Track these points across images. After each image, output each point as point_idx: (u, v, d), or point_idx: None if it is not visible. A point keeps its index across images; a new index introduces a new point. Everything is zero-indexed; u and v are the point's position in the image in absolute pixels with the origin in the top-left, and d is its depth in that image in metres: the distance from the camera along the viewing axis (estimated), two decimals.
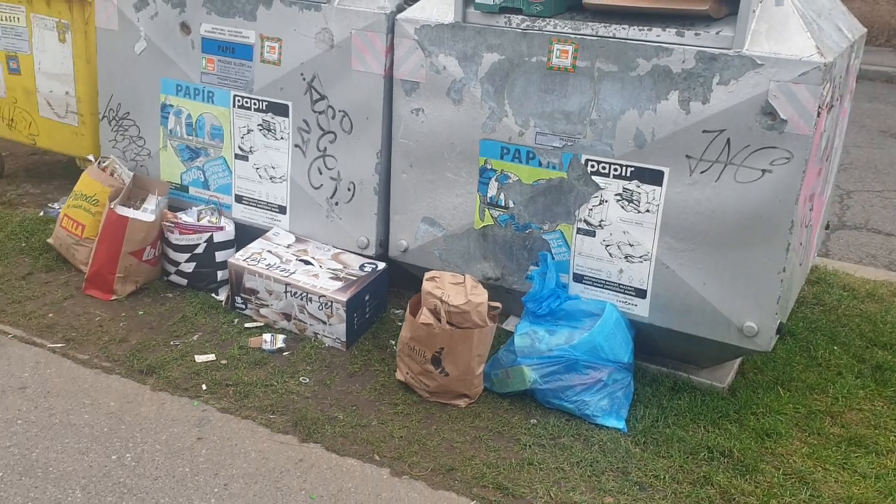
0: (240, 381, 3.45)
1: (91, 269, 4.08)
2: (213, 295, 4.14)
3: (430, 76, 3.58)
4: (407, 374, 3.44)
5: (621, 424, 3.28)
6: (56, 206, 5.05)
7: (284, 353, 3.69)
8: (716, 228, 3.19)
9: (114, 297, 4.07)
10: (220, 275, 4.16)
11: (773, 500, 2.92)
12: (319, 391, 3.44)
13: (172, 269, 4.19)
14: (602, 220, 3.40)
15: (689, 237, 3.25)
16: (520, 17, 3.36)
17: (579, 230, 3.46)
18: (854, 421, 3.41)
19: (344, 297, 3.67)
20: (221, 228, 4.18)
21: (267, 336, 3.75)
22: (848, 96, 3.90)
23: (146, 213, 4.13)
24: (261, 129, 4.10)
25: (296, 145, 4.03)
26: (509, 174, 3.54)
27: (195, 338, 3.78)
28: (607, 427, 3.27)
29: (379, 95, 3.73)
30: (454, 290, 3.34)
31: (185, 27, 4.16)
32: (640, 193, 3.29)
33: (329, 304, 3.69)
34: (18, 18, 4.94)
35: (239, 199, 4.28)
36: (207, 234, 4.12)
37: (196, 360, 3.59)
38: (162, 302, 4.09)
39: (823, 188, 3.79)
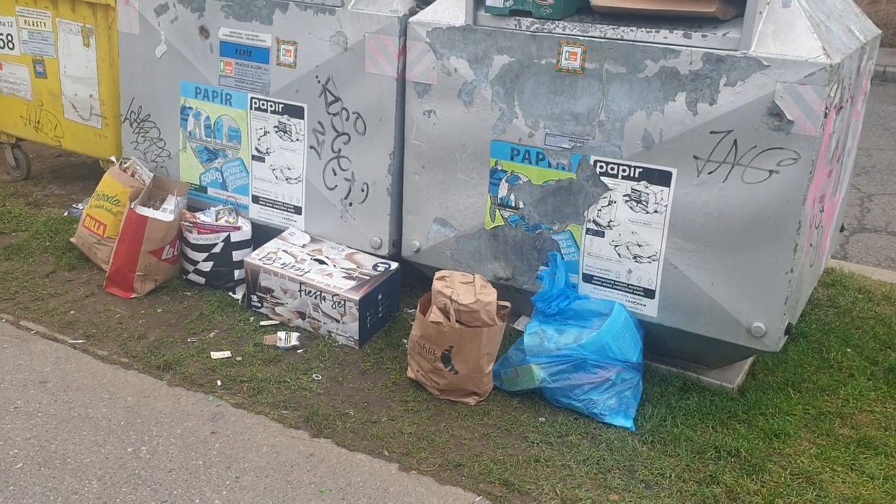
0: (254, 378, 3.52)
1: (112, 267, 4.18)
2: (230, 293, 4.22)
3: (441, 78, 3.63)
4: (417, 371, 3.49)
5: (629, 423, 3.30)
6: (80, 206, 5.16)
7: (298, 351, 3.76)
8: (723, 229, 3.20)
9: (133, 295, 4.16)
10: (236, 274, 4.24)
11: (778, 500, 2.93)
12: (331, 388, 3.50)
13: (191, 267, 4.28)
14: (611, 221, 3.43)
15: (697, 238, 3.26)
16: (529, 19, 3.40)
17: (588, 230, 3.49)
18: (864, 423, 3.40)
19: (357, 296, 3.73)
20: (238, 228, 4.26)
21: (281, 334, 3.82)
22: (861, 98, 3.89)
23: (165, 213, 4.23)
24: (277, 131, 4.18)
25: (311, 147, 4.10)
26: (519, 175, 3.58)
27: (212, 335, 3.86)
28: (615, 426, 3.29)
29: (392, 97, 3.79)
30: (464, 289, 3.38)
31: (203, 31, 4.25)
32: (648, 194, 3.32)
33: (342, 302, 3.75)
34: (45, 23, 5.07)
35: (256, 199, 4.36)
36: (225, 234, 4.21)
37: (212, 356, 3.67)
38: (180, 300, 4.18)
39: (835, 189, 3.78)
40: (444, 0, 3.66)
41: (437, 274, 3.47)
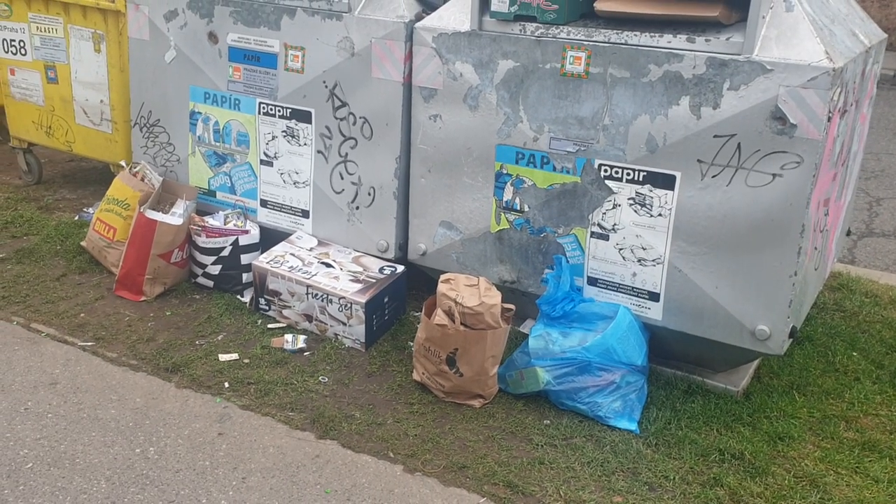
0: (261, 380, 3.55)
1: (121, 270, 4.23)
2: (238, 296, 4.26)
3: (447, 83, 3.66)
4: (423, 374, 3.51)
5: (633, 426, 3.31)
6: (90, 210, 5.22)
7: (305, 354, 3.79)
8: (727, 232, 3.22)
9: (143, 298, 4.21)
10: (244, 277, 4.27)
11: (782, 503, 2.94)
12: (338, 390, 3.52)
13: (199, 271, 4.32)
14: (615, 224, 3.44)
15: (701, 241, 3.28)
16: (534, 24, 3.42)
17: (593, 234, 3.51)
18: (869, 426, 3.40)
19: (363, 299, 3.76)
20: (247, 232, 4.30)
21: (289, 336, 3.85)
22: (867, 102, 3.90)
23: (174, 216, 4.27)
24: (285, 136, 4.22)
25: (318, 151, 4.14)
26: (524, 179, 3.60)
27: (220, 337, 3.90)
28: (619, 428, 3.31)
29: (398, 102, 3.82)
30: (468, 291, 3.40)
31: (212, 37, 4.30)
32: (652, 198, 3.33)
33: (349, 305, 3.78)
34: (57, 30, 5.13)
35: (264, 203, 4.40)
36: (233, 238, 4.24)
37: (220, 358, 3.70)
38: (189, 303, 4.22)
39: (840, 193, 3.79)
40: (449, 6, 3.69)
41: (442, 277, 3.50)
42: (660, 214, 3.34)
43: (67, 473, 2.96)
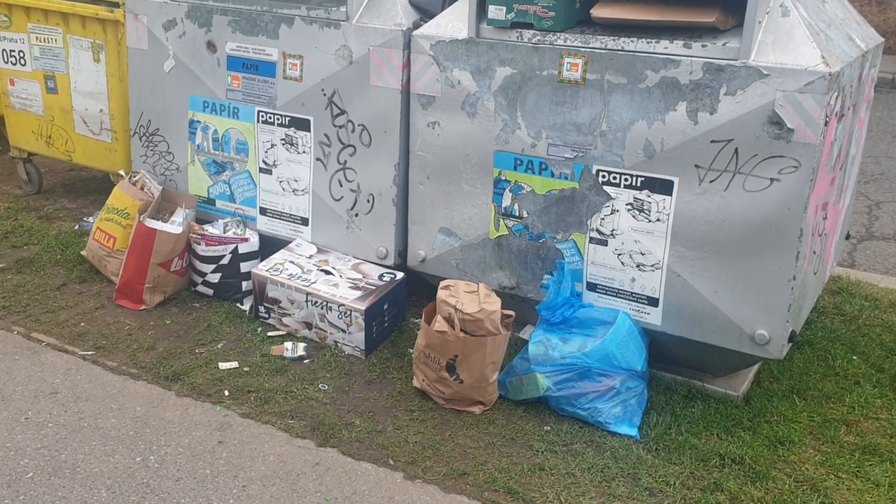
0: (261, 388, 3.55)
1: (121, 279, 4.23)
2: (238, 304, 4.26)
3: (445, 90, 3.67)
4: (423, 381, 3.51)
5: (634, 431, 3.31)
6: (90, 219, 5.23)
7: (305, 361, 3.79)
8: (726, 237, 3.22)
9: (143, 307, 4.21)
10: (244, 285, 4.28)
11: None
12: (338, 398, 3.52)
13: (199, 279, 4.33)
14: (614, 230, 3.45)
15: (700, 246, 3.28)
16: (531, 31, 3.44)
17: (592, 239, 3.51)
18: (870, 430, 3.40)
19: (363, 306, 3.77)
20: (246, 240, 4.31)
21: (288, 344, 3.85)
22: (864, 106, 3.91)
23: (174, 225, 4.28)
24: (284, 144, 4.23)
25: (317, 159, 4.15)
26: (523, 185, 3.61)
27: (220, 346, 3.90)
28: (620, 434, 3.31)
29: (396, 109, 3.83)
30: (468, 298, 3.41)
31: (211, 46, 4.32)
32: (650, 203, 3.34)
33: (348, 312, 3.78)
34: (56, 40, 5.15)
35: (263, 211, 4.41)
36: (232, 246, 4.25)
37: (220, 367, 3.71)
38: (189, 311, 4.22)
39: (839, 197, 3.79)
40: (446, 13, 3.70)
41: (442, 283, 3.50)
42: (658, 220, 3.34)
43: (68, 483, 2.96)
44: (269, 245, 4.33)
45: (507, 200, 3.67)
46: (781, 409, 3.48)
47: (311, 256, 4.17)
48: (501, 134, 3.59)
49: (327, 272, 4.02)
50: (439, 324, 3.37)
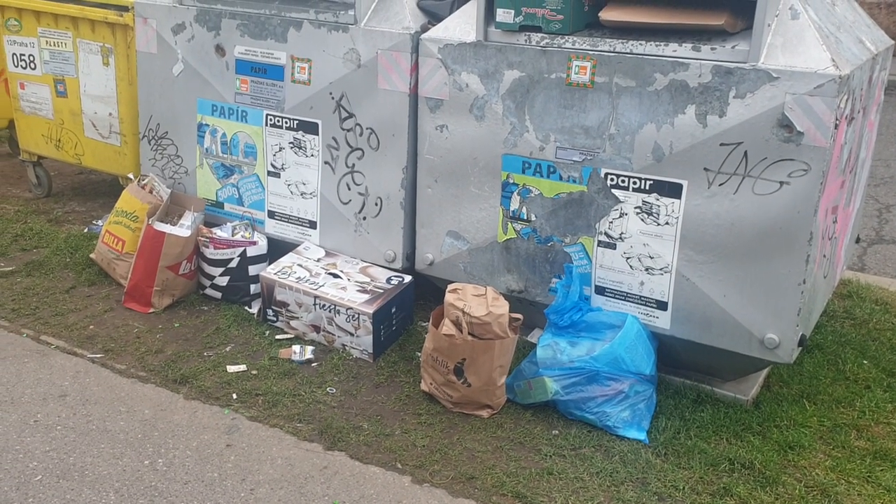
0: (269, 391, 3.55)
1: (130, 282, 4.24)
2: (246, 308, 4.27)
3: (453, 93, 3.67)
4: (431, 384, 3.51)
5: (642, 436, 3.30)
6: (99, 222, 5.24)
7: (313, 364, 3.79)
8: (735, 241, 3.21)
9: (151, 310, 4.22)
10: (252, 288, 4.28)
11: None
12: (345, 401, 3.52)
13: (207, 282, 4.33)
14: (622, 233, 3.44)
15: (709, 249, 3.27)
16: (539, 34, 3.43)
17: (600, 243, 3.50)
18: (881, 434, 3.38)
19: (371, 310, 3.76)
20: (254, 243, 4.31)
21: (296, 347, 3.85)
22: (874, 109, 3.89)
23: (183, 228, 4.29)
24: (292, 147, 4.24)
25: (325, 162, 4.15)
26: (531, 188, 3.60)
27: (228, 349, 3.90)
28: (628, 438, 3.29)
29: (404, 113, 3.83)
30: (476, 301, 3.40)
31: (219, 49, 4.33)
32: (659, 206, 3.33)
33: (356, 316, 3.78)
34: (66, 44, 5.17)
35: (271, 214, 4.41)
36: (241, 249, 4.26)
37: (228, 370, 3.71)
38: (197, 314, 4.23)
39: (849, 200, 3.77)
40: (454, 17, 3.70)
41: (450, 286, 3.50)
42: (667, 223, 3.33)
43: (76, 486, 2.97)
44: (278, 248, 4.33)
45: (515, 204, 3.67)
46: (791, 414, 3.46)
47: (319, 260, 4.17)
48: (509, 137, 3.59)
49: (335, 275, 4.02)
50: (447, 327, 3.36)
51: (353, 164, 4.06)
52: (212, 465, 3.10)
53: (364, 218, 4.10)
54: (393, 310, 3.90)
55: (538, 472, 3.09)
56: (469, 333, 3.33)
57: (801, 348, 3.33)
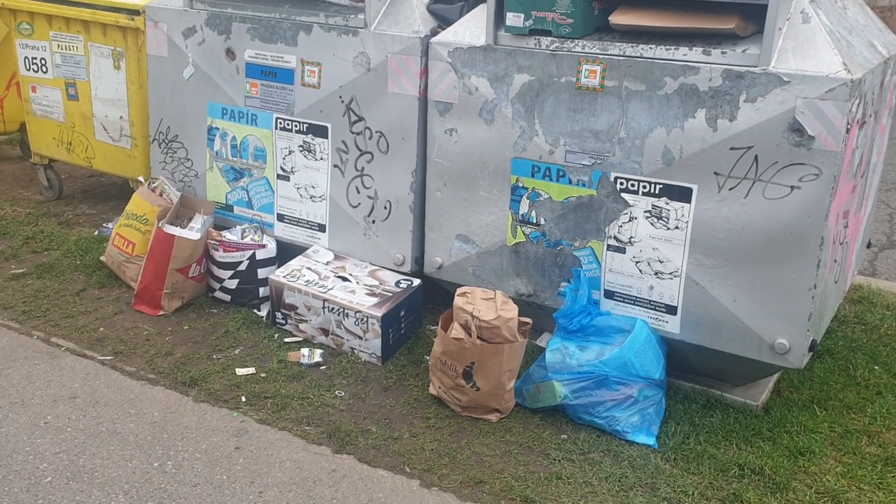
0: (278, 394, 3.56)
1: (140, 285, 4.26)
2: (255, 310, 4.28)
3: (462, 97, 3.67)
4: (439, 388, 3.50)
5: (652, 441, 3.29)
6: (110, 225, 5.27)
7: (321, 368, 3.79)
8: (745, 245, 3.19)
9: (161, 313, 4.23)
10: (261, 291, 4.29)
11: None
12: (354, 404, 3.52)
13: (217, 285, 4.34)
14: (632, 237, 3.43)
15: (719, 254, 3.26)
16: (549, 38, 3.43)
17: (609, 247, 3.50)
18: (892, 441, 3.35)
19: (379, 313, 3.76)
20: (263, 246, 4.32)
21: (305, 350, 3.86)
22: (886, 113, 3.87)
23: (192, 231, 4.30)
24: (301, 150, 4.24)
25: (335, 165, 4.16)
26: (540, 192, 3.60)
27: (237, 352, 3.91)
28: (637, 443, 3.28)
29: (414, 116, 3.84)
30: (485, 305, 3.40)
31: (230, 53, 4.34)
32: (668, 210, 3.32)
33: (365, 319, 3.79)
34: (77, 47, 5.20)
35: (281, 217, 4.42)
36: (250, 252, 4.27)
37: (237, 373, 3.71)
38: (206, 317, 4.24)
39: (860, 205, 3.75)
40: (464, 20, 3.71)
41: (459, 290, 3.50)
42: (676, 227, 3.32)
43: (86, 487, 2.98)
44: (287, 251, 4.34)
45: (524, 207, 3.66)
46: (802, 420, 3.44)
47: (328, 263, 4.18)
48: (519, 141, 3.59)
49: (344, 279, 4.02)
50: (456, 331, 3.36)
51: (363, 168, 4.07)
52: (221, 467, 3.10)
53: (373, 221, 4.11)
54: (402, 313, 3.90)
55: (547, 477, 3.08)
56: (478, 337, 3.33)
57: (811, 353, 3.31)
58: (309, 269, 4.10)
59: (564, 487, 3.03)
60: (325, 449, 3.22)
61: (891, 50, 3.68)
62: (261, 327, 4.12)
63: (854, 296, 4.62)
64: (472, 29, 3.64)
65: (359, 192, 4.12)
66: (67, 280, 4.59)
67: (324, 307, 3.90)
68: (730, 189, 3.17)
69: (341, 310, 3.85)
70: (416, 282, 4.03)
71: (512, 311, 3.39)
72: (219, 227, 4.50)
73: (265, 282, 4.22)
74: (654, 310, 3.46)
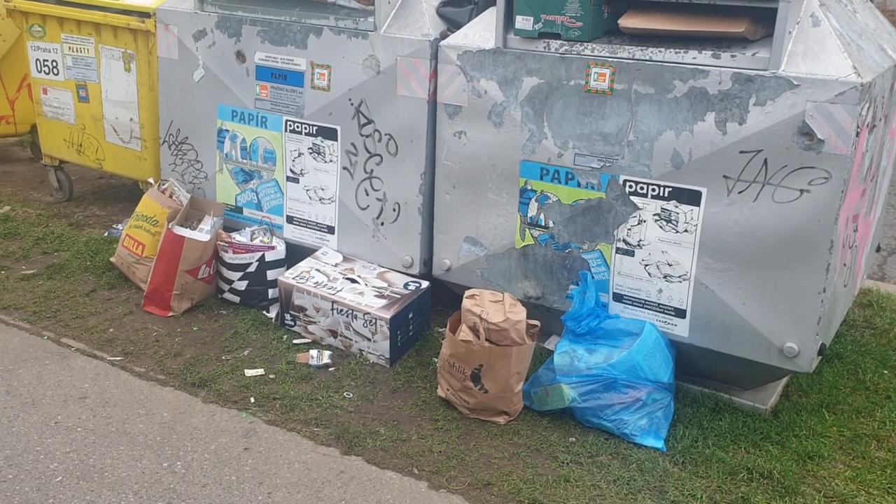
0: (286, 395, 3.57)
1: (149, 286, 4.28)
2: (264, 312, 4.29)
3: (471, 100, 3.68)
4: (448, 390, 3.51)
5: (660, 444, 3.29)
6: (119, 226, 5.29)
7: (330, 369, 3.80)
8: (755, 248, 3.19)
9: (170, 314, 4.25)
10: (270, 292, 4.31)
11: None
12: (362, 406, 3.53)
13: (226, 286, 4.36)
14: (641, 240, 3.43)
15: (728, 257, 3.25)
16: (558, 41, 3.44)
17: (618, 250, 3.50)
18: None
19: (388, 315, 3.77)
20: (273, 248, 4.34)
21: (314, 352, 3.87)
22: None
23: (202, 233, 4.32)
24: (311, 153, 4.26)
25: (344, 168, 4.17)
26: (549, 194, 3.60)
27: (246, 353, 3.92)
28: (646, 446, 3.28)
29: (423, 119, 3.85)
30: (493, 307, 3.40)
31: (240, 55, 4.36)
32: (678, 213, 3.32)
33: (373, 321, 3.79)
34: (88, 50, 5.23)
35: (290, 219, 4.44)
36: (259, 254, 4.28)
37: (246, 374, 3.73)
38: (215, 318, 4.26)
39: (870, 209, 3.75)
40: (474, 24, 3.72)
41: (467, 293, 3.50)
42: (686, 230, 3.32)
43: (96, 487, 2.99)
44: (296, 253, 4.36)
45: (532, 210, 3.67)
46: (810, 424, 3.43)
47: (336, 265, 4.19)
48: (528, 143, 3.59)
49: (353, 280, 4.04)
50: (464, 333, 3.37)
51: (372, 170, 4.08)
52: (229, 468, 3.11)
53: (382, 223, 4.12)
54: (410, 315, 3.91)
55: (555, 480, 3.09)
56: (486, 340, 3.33)
57: (820, 357, 3.30)
58: (318, 270, 4.12)
59: (572, 490, 3.03)
60: (333, 450, 3.23)
61: None
62: (270, 329, 4.14)
63: (863, 300, 4.61)
64: (481, 32, 3.65)
65: (368, 195, 4.13)
66: (78, 281, 4.62)
67: (332, 309, 3.91)
68: (739, 192, 3.17)
69: (350, 311, 3.86)
70: (425, 284, 4.04)
71: (520, 313, 3.39)
72: (228, 228, 4.51)
73: (274, 283, 4.24)
74: (663, 313, 3.46)
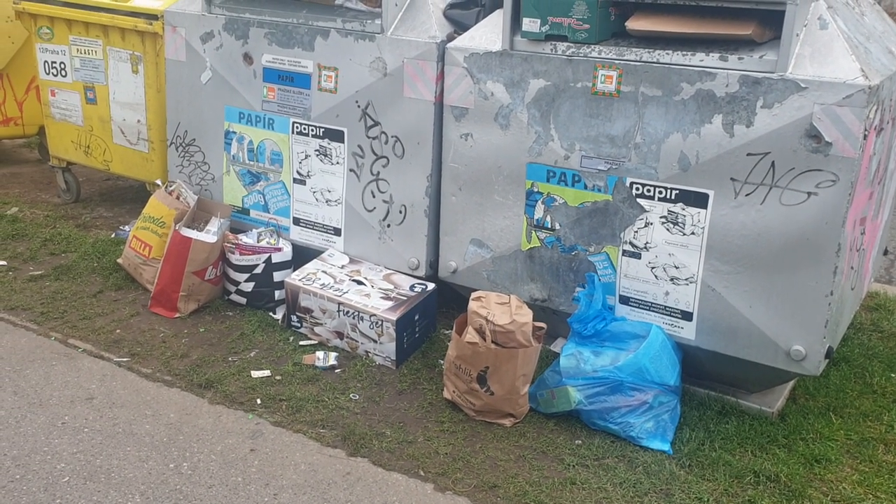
0: (293, 397, 3.57)
1: (156, 287, 4.29)
2: (271, 313, 4.30)
3: (478, 102, 3.68)
4: (454, 392, 3.51)
5: (666, 447, 3.28)
6: (127, 228, 5.31)
7: (336, 371, 3.81)
8: (762, 251, 3.19)
9: (177, 315, 4.26)
10: (277, 294, 4.31)
11: None
12: (368, 407, 3.53)
13: (233, 288, 4.37)
14: (647, 243, 3.43)
15: (735, 260, 3.25)
16: (565, 43, 3.44)
17: (625, 252, 3.49)
18: None
19: (394, 317, 3.78)
20: (279, 249, 4.34)
21: (320, 353, 3.87)
22: None
23: (209, 234, 4.33)
24: (318, 155, 4.27)
25: (350, 170, 4.18)
26: (555, 197, 3.60)
27: (252, 354, 3.93)
28: (652, 449, 3.27)
29: (429, 121, 3.85)
30: (499, 309, 3.40)
31: (247, 58, 4.38)
32: (684, 216, 3.31)
33: (379, 322, 3.80)
34: (96, 52, 5.25)
35: (296, 221, 4.45)
36: (266, 255, 4.29)
37: (252, 375, 3.73)
38: (222, 320, 4.27)
39: (877, 212, 3.74)
40: (480, 26, 3.72)
41: (474, 294, 3.50)
42: (693, 233, 3.32)
43: (103, 487, 3.00)
44: (302, 255, 4.36)
45: (539, 212, 3.67)
46: (817, 427, 3.42)
47: (343, 266, 4.19)
48: (534, 146, 3.59)
49: (359, 282, 4.04)
50: (470, 335, 3.37)
51: (378, 172, 4.09)
52: (236, 469, 3.12)
53: (388, 225, 4.12)
54: (416, 317, 3.91)
55: (561, 482, 3.08)
56: (492, 342, 3.33)
57: (827, 360, 3.30)
58: (324, 272, 4.12)
59: (579, 493, 3.03)
60: (339, 452, 3.24)
61: None
62: (276, 330, 4.14)
63: (870, 303, 4.60)
64: (488, 34, 3.65)
65: (374, 197, 4.13)
66: (85, 282, 4.63)
67: (339, 310, 3.91)
68: (746, 195, 3.16)
69: (356, 313, 3.86)
70: (431, 286, 4.04)
71: (526, 315, 3.39)
72: (235, 230, 4.52)
73: (281, 285, 4.24)
74: (670, 315, 3.46)
